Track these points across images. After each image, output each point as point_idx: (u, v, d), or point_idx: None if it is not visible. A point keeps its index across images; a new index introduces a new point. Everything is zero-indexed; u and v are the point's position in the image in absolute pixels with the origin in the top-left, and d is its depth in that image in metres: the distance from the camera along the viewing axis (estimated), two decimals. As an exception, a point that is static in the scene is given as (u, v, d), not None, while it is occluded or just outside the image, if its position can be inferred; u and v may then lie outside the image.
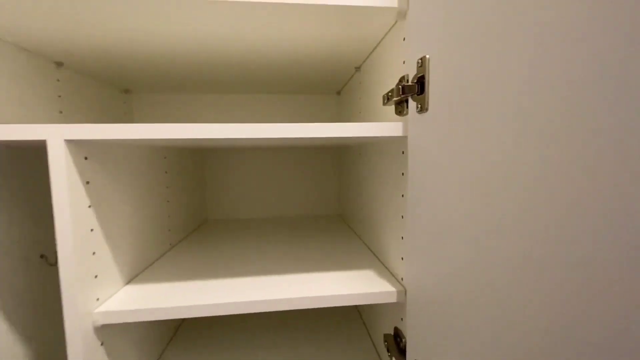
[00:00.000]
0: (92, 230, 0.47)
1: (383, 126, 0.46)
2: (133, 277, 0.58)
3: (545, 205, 0.24)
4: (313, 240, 0.82)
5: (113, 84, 0.91)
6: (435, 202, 0.39)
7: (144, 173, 0.64)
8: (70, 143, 0.42)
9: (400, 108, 0.50)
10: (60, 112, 0.70)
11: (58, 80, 0.70)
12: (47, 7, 0.46)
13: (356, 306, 0.94)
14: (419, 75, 0.42)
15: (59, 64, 0.70)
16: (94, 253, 0.47)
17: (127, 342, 0.57)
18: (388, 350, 0.56)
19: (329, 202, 1.17)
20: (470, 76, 0.32)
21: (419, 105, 0.43)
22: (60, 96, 0.70)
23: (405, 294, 0.51)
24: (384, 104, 0.51)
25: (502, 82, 0.28)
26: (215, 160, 1.11)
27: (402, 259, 0.53)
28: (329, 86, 0.99)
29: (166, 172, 0.76)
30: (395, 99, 0.47)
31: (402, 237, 0.53)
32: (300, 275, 0.58)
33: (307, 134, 0.45)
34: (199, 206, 1.03)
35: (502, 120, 0.28)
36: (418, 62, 0.42)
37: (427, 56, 0.40)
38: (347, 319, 0.85)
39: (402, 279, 0.54)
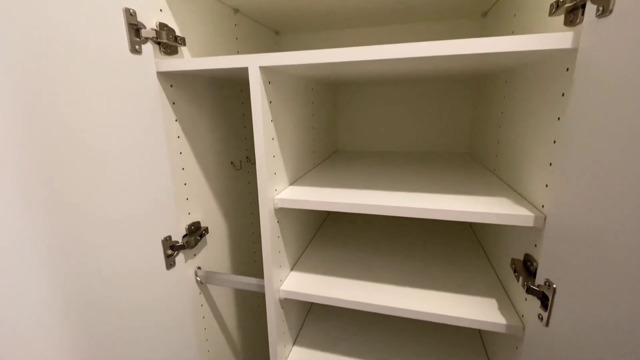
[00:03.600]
0: (272, 139, 0.62)
1: (548, 38, 0.42)
2: (293, 182, 0.75)
3: None
4: (443, 170, 0.85)
5: (268, 26, 1.06)
6: (606, 126, 0.36)
7: (299, 100, 0.77)
8: (262, 69, 0.56)
9: (572, 16, 0.44)
10: (237, 52, 0.89)
11: (235, 25, 0.87)
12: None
13: (472, 228, 0.95)
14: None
15: (236, 10, 0.86)
16: (274, 156, 0.63)
17: (292, 224, 0.77)
18: (515, 272, 0.58)
19: (459, 139, 1.13)
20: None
21: (600, 8, 0.38)
22: (237, 38, 0.88)
23: (545, 220, 0.51)
24: (551, 13, 0.46)
25: None
26: (347, 94, 1.20)
27: (547, 186, 0.52)
28: (474, 6, 0.89)
29: (312, 102, 0.89)
30: (568, 4, 0.42)
31: (550, 164, 0.51)
32: (433, 194, 0.63)
33: (452, 51, 0.45)
34: (332, 137, 1.17)
35: None
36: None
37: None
38: (464, 237, 0.88)
39: (542, 206, 0.53)
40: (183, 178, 0.71)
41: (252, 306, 1.09)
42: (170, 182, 0.65)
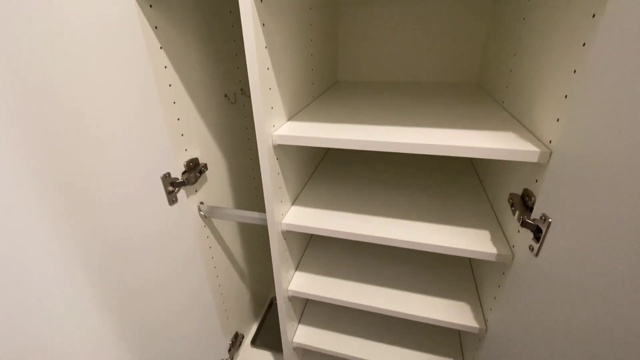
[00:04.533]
0: (267, 69, 0.57)
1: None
2: (291, 117, 0.72)
3: None
4: (449, 103, 0.81)
5: None
6: None
7: (295, 23, 0.69)
8: (252, -16, 0.48)
9: None
10: (223, -38, 0.76)
11: None
12: None
13: (472, 164, 0.95)
14: None
15: None
16: (270, 89, 0.59)
17: (292, 160, 0.76)
18: (512, 206, 0.59)
19: (468, 68, 1.05)
20: None
21: None
22: (221, -56, 0.75)
23: (550, 155, 0.50)
24: None
25: None
26: (349, 16, 1.08)
27: (558, 120, 0.49)
28: None
29: (310, 25, 0.80)
30: None
31: (566, 96, 0.48)
32: (435, 129, 0.61)
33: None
34: (332, 66, 1.08)
35: None
36: None
37: None
38: (463, 172, 0.89)
39: (550, 141, 0.51)
40: (175, 113, 0.67)
41: (255, 236, 1.15)
42: (161, 117, 0.62)
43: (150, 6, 0.58)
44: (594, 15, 0.43)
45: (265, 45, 0.55)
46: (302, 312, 1.04)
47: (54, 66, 0.43)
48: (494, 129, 0.61)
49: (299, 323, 1.00)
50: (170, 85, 0.65)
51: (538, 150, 0.51)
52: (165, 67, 0.63)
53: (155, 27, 0.60)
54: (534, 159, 0.51)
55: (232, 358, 1.05)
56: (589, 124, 0.40)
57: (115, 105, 0.52)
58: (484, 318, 0.74)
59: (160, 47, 0.62)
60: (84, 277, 0.53)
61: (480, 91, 0.94)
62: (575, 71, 0.46)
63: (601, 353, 0.35)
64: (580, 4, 0.46)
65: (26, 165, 0.42)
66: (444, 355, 0.91)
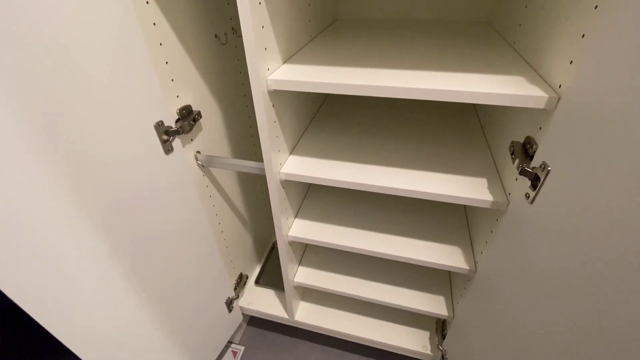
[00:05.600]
0: (260, 3, 0.52)
1: None
2: (287, 59, 0.67)
3: None
4: (455, 44, 0.75)
5: None
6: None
7: (290, -52, 0.61)
8: None
9: None
10: None
11: None
12: None
13: (475, 111, 0.93)
14: None
15: None
16: (262, 27, 0.54)
17: (289, 107, 0.73)
18: (512, 154, 0.59)
19: (479, 4, 0.96)
20: None
21: None
22: None
23: (558, 101, 0.48)
24: None
25: None
26: (350, -59, 0.96)
27: (571, 62, 0.46)
28: None
29: (307, -49, 0.71)
30: None
31: (584, 35, 0.44)
32: (438, 72, 0.58)
33: None
34: (331, 0, 0.99)
35: None
36: None
37: None
38: (466, 120, 0.87)
39: (559, 86, 0.48)
40: (163, 55, 0.63)
41: (255, 184, 1.17)
42: (148, 59, 0.57)
43: None
44: (629, -63, 0.37)
45: (255, -25, 0.49)
46: (302, 255, 1.09)
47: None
48: (501, 72, 0.57)
49: (299, 265, 1.06)
50: (154, 24, 0.60)
51: (546, 95, 0.48)
52: (148, 2, 0.57)
53: (131, -47, 0.53)
54: (541, 105, 0.49)
55: (238, 296, 1.13)
56: (604, 67, 0.37)
57: (94, 45, 0.48)
58: (474, 260, 0.78)
59: (139, -22, 0.55)
60: (93, 233, 0.54)
61: (491, 30, 0.88)
62: (596, 7, 0.42)
63: (589, 303, 0.37)
64: None
65: (22, 121, 0.40)
66: (434, 293, 0.98)
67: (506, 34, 0.78)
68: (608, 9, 0.38)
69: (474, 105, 1.01)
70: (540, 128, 0.53)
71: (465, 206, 0.96)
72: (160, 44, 0.62)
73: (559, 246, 0.43)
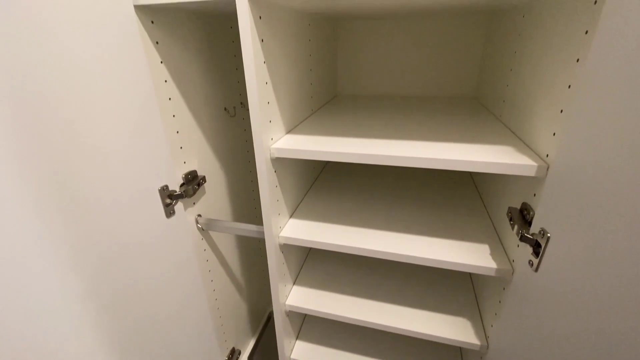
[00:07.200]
0: (266, 83, 0.58)
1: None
2: (290, 130, 0.72)
3: None
4: (447, 117, 0.81)
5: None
6: (634, 72, 0.33)
7: (295, 38, 0.71)
8: (250, 0, 0.49)
9: None
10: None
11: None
12: None
13: (472, 178, 0.95)
14: None
15: None
16: (268, 102, 0.59)
17: (290, 173, 0.76)
18: (511, 220, 0.59)
19: (466, 82, 1.07)
20: None
21: None
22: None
23: (547, 169, 0.50)
24: None
25: None
26: (347, 31, 1.10)
27: (554, 134, 0.49)
28: None
29: (309, 40, 0.82)
30: None
31: (562, 110, 0.48)
32: (434, 143, 0.61)
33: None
34: (331, 79, 1.10)
35: None
36: None
37: None
38: (463, 186, 0.89)
39: (547, 155, 0.51)
40: (175, 126, 0.68)
41: (253, 249, 1.14)
42: (161, 130, 0.62)
43: (152, 22, 0.59)
44: (586, 32, 0.43)
45: (263, 60, 0.56)
46: (300, 327, 1.02)
47: (54, 79, 0.44)
48: (492, 142, 0.61)
49: (296, 339, 0.98)
50: (170, 99, 0.66)
51: (535, 164, 0.51)
52: (166, 81, 0.64)
53: (157, 42, 0.61)
54: (532, 173, 0.51)
55: (229, 375, 1.02)
56: (584, 138, 0.40)
57: (116, 119, 0.53)
58: (485, 334, 0.72)
59: (161, 62, 0.63)
60: (79, 282, 0.52)
61: (478, 105, 0.95)
62: (569, 86, 0.47)
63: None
64: (573, 21, 0.47)
65: (24, 173, 0.42)
66: (446, 373, 0.88)
67: (492, 107, 0.85)
68: (579, 88, 0.43)
69: (469, 172, 1.05)
70: (534, 194, 0.54)
71: (470, 274, 0.93)
72: (174, 115, 0.67)
73: (568, 315, 0.41)
